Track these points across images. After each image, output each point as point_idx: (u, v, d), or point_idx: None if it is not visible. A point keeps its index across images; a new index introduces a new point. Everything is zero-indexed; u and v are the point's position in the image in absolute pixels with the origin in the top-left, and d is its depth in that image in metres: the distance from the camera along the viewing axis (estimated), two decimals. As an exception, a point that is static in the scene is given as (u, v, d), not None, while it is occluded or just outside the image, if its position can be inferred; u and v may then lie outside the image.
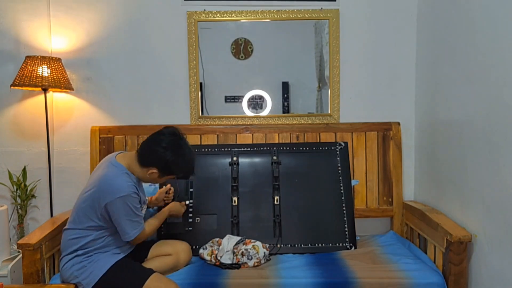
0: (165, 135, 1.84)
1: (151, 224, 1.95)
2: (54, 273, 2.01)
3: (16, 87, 2.37)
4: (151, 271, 1.79)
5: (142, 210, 1.90)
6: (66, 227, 1.87)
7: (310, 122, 2.62)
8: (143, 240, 1.91)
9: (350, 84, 2.62)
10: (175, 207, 2.12)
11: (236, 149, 2.39)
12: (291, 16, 2.57)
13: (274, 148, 2.39)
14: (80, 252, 1.80)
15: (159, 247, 2.01)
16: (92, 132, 2.51)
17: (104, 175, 1.79)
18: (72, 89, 2.52)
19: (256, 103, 2.64)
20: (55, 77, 2.37)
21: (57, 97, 2.59)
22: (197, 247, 2.16)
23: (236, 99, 2.64)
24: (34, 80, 2.32)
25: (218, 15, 2.56)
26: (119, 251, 1.86)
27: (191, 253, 2.06)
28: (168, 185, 2.19)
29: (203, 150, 2.40)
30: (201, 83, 2.61)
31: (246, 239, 2.11)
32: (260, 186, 2.31)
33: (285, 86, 2.64)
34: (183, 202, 2.19)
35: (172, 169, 1.84)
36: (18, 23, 2.54)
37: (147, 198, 2.07)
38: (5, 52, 2.54)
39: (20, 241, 1.87)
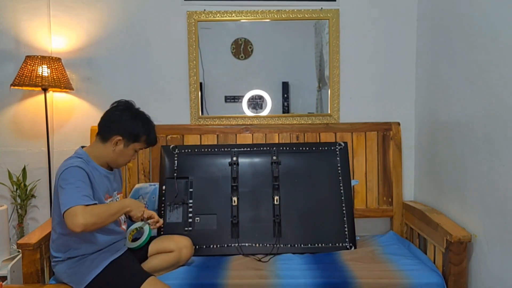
0: (119, 103, 1.83)
1: (98, 207, 1.63)
2: (53, 273, 2.01)
3: (16, 87, 2.37)
4: (147, 275, 1.74)
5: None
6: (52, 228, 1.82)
7: (310, 122, 2.62)
8: (85, 223, 1.53)
9: (350, 84, 2.62)
10: (134, 201, 1.80)
11: (236, 149, 2.39)
12: (291, 16, 2.57)
13: (274, 148, 2.39)
14: (72, 252, 1.75)
15: (161, 242, 1.99)
16: (92, 132, 2.51)
17: (63, 162, 1.75)
18: (72, 89, 2.52)
19: (256, 103, 2.64)
20: (55, 77, 2.37)
21: (57, 97, 2.60)
22: (197, 247, 2.15)
23: (236, 99, 2.64)
24: (34, 80, 2.32)
25: (218, 15, 2.56)
26: (115, 249, 1.81)
27: (193, 249, 2.05)
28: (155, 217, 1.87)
29: (203, 150, 2.40)
30: (201, 83, 2.61)
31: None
32: (260, 186, 2.30)
33: (285, 86, 2.64)
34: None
35: (134, 131, 1.78)
36: (18, 23, 2.54)
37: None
38: (5, 52, 2.55)
39: (20, 241, 1.87)
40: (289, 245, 2.20)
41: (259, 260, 2.08)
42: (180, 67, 2.59)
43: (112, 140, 1.77)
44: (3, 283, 1.93)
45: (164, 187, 2.29)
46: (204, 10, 2.56)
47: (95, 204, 1.63)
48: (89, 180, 1.69)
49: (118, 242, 1.87)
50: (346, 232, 2.24)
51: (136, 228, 1.98)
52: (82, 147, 1.85)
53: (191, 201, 2.26)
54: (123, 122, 1.78)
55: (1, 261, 2.21)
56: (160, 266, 1.91)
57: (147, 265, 1.89)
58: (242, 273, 1.92)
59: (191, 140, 2.53)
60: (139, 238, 1.94)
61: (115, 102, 1.86)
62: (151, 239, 1.97)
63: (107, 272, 1.73)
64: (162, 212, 2.24)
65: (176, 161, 2.34)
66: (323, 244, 2.20)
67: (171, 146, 2.38)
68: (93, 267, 1.73)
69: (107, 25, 2.57)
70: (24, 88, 2.43)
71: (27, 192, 2.53)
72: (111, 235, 1.82)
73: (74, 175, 1.64)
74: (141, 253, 1.94)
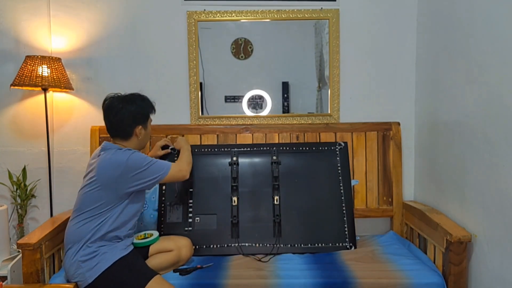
0: (111, 102, 1.92)
1: (183, 158, 2.09)
2: (54, 273, 2.02)
3: (16, 87, 2.37)
4: (153, 273, 1.80)
5: None
6: (72, 217, 1.86)
7: (310, 122, 2.62)
8: (188, 168, 2.04)
9: (350, 84, 2.62)
10: (182, 142, 2.25)
11: (236, 149, 2.39)
12: (291, 16, 2.57)
13: (274, 148, 2.39)
14: (89, 241, 1.79)
15: (161, 242, 2.02)
16: (92, 132, 2.51)
17: (103, 157, 1.85)
18: (72, 89, 2.52)
19: (256, 103, 2.64)
20: (55, 77, 2.37)
21: (57, 97, 2.60)
22: (197, 247, 2.16)
23: (236, 99, 2.64)
24: (34, 80, 2.32)
25: (218, 15, 2.56)
26: (125, 245, 1.86)
27: (193, 249, 2.08)
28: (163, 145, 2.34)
29: (203, 150, 2.40)
30: (201, 83, 2.61)
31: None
32: (260, 186, 2.31)
33: (285, 86, 2.64)
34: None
35: (144, 112, 1.97)
36: (18, 23, 2.54)
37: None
38: (5, 52, 2.55)
39: (20, 241, 1.87)
40: (289, 245, 2.20)
41: (259, 260, 2.08)
42: (180, 67, 2.59)
43: (135, 132, 1.93)
44: (3, 283, 1.93)
45: (164, 187, 2.29)
46: (204, 10, 2.56)
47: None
48: None
49: (128, 239, 1.91)
50: (346, 232, 2.24)
51: (145, 234, 2.05)
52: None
53: (191, 201, 2.26)
54: (134, 113, 1.91)
55: (1, 261, 2.21)
56: (161, 265, 1.93)
57: (149, 264, 1.91)
58: (242, 273, 1.92)
59: (191, 140, 2.53)
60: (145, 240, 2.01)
61: (105, 101, 1.95)
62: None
63: (115, 268, 1.77)
64: (163, 212, 2.25)
65: (175, 161, 2.34)
66: (323, 244, 2.20)
67: (170, 147, 2.37)
68: (102, 262, 1.76)
69: (107, 25, 2.57)
70: (24, 88, 2.43)
71: (27, 192, 2.52)
72: (131, 224, 1.93)
73: (142, 156, 1.89)
74: (143, 252, 1.96)
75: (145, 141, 2.02)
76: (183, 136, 2.52)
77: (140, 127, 1.93)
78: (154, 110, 2.03)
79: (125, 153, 1.85)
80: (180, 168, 1.98)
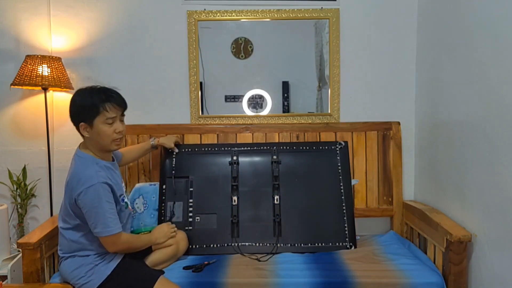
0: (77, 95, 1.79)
1: (133, 237, 1.86)
2: (54, 272, 2.02)
3: (16, 86, 2.37)
4: (157, 274, 1.80)
5: (122, 208, 1.84)
6: (62, 224, 1.82)
7: (310, 121, 2.62)
8: (120, 249, 1.77)
9: (350, 83, 2.62)
10: (158, 231, 2.00)
11: (236, 149, 2.39)
12: (291, 15, 2.57)
13: (274, 147, 2.39)
14: (86, 251, 1.77)
15: None
16: (92, 131, 2.51)
17: (73, 170, 1.76)
18: (72, 88, 2.52)
19: (256, 102, 2.64)
20: (55, 76, 2.37)
21: (57, 96, 2.60)
22: (197, 246, 2.16)
23: (236, 98, 2.64)
24: (34, 79, 2.32)
25: (218, 14, 2.56)
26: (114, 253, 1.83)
27: (188, 241, 2.13)
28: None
29: (203, 149, 2.40)
30: (201, 83, 2.61)
31: None
32: (260, 186, 2.31)
33: (285, 86, 2.64)
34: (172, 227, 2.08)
35: (86, 107, 1.71)
36: (18, 22, 2.54)
37: (153, 141, 2.27)
38: (5, 51, 2.55)
39: (20, 240, 1.87)
40: (289, 245, 2.20)
41: (259, 260, 2.08)
42: (180, 66, 2.59)
43: (81, 129, 1.76)
44: (3, 283, 1.93)
45: (164, 187, 2.29)
46: (204, 9, 2.56)
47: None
48: (111, 188, 1.74)
49: None
50: (346, 232, 2.24)
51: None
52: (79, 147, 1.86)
53: (191, 200, 2.26)
54: (74, 107, 1.76)
55: (1, 260, 2.21)
56: (161, 259, 1.97)
57: (149, 259, 1.94)
58: (242, 272, 1.93)
59: (192, 139, 2.53)
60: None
61: None
62: None
63: (118, 272, 1.76)
64: (163, 211, 2.25)
65: (174, 160, 2.34)
66: (323, 244, 2.20)
67: (174, 152, 2.38)
68: (101, 270, 1.75)
69: (107, 25, 2.57)
70: (24, 87, 2.43)
71: (27, 192, 2.53)
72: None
73: (101, 195, 1.67)
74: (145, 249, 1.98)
75: (103, 140, 1.74)
76: (182, 135, 2.52)
77: (83, 124, 1.72)
78: (112, 106, 1.74)
79: (93, 176, 1.67)
80: (115, 245, 1.73)
